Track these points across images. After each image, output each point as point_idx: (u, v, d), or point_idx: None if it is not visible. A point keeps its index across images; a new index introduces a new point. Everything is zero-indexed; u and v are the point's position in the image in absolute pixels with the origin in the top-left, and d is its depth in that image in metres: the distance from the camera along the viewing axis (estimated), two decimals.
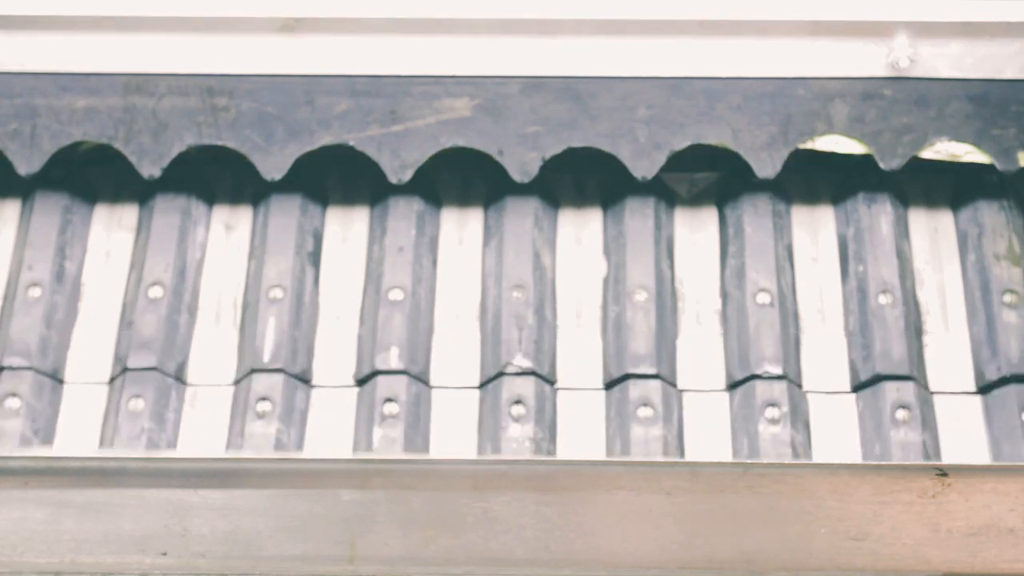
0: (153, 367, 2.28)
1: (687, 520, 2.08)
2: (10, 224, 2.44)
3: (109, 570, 2.09)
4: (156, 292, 2.34)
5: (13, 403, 2.25)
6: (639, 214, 2.41)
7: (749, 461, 2.13)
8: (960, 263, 2.41)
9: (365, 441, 2.24)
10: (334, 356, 2.33)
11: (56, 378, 2.30)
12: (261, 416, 2.25)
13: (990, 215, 2.41)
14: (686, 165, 2.44)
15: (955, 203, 2.46)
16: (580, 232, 2.45)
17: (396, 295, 2.34)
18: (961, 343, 2.34)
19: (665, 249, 2.40)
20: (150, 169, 2.36)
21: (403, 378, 2.28)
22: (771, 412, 2.24)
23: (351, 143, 2.36)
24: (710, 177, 2.48)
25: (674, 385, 2.29)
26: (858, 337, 2.31)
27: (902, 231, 2.41)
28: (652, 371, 2.28)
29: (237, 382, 2.31)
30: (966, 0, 2.36)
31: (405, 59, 2.39)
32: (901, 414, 2.24)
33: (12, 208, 2.45)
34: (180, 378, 2.31)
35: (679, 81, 2.38)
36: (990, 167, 2.37)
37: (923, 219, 2.45)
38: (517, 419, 2.24)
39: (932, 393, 2.29)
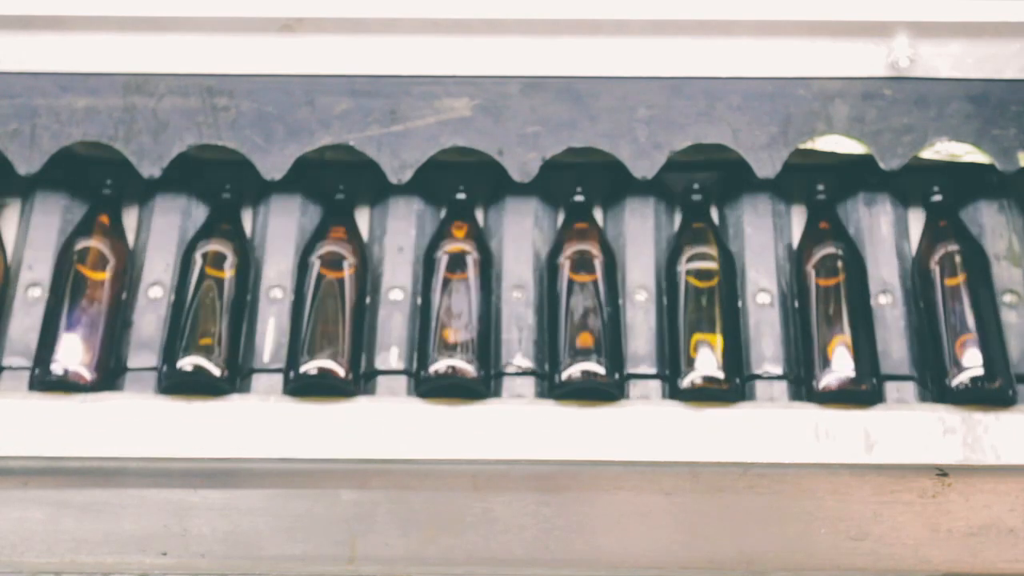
0: (153, 367, 2.28)
1: (687, 520, 2.09)
2: (10, 224, 2.44)
3: (109, 570, 2.10)
4: (156, 292, 2.34)
5: None
6: (639, 214, 2.42)
7: (749, 461, 2.13)
8: None
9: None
10: None
11: None
12: None
13: (990, 215, 2.41)
14: (686, 165, 2.44)
15: (955, 203, 2.45)
16: None
17: (396, 295, 2.34)
18: None
19: (665, 249, 2.40)
20: (150, 169, 2.36)
21: (403, 378, 2.27)
22: None
23: (351, 143, 2.36)
24: (710, 177, 2.48)
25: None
26: None
27: (902, 231, 2.41)
28: (652, 371, 2.28)
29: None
30: (966, 0, 2.36)
31: (405, 59, 2.39)
32: None
33: (12, 208, 2.45)
34: None
35: (679, 81, 2.39)
36: (990, 167, 2.37)
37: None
38: None
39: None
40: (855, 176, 2.44)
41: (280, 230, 2.40)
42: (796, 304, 2.28)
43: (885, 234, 2.39)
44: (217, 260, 2.29)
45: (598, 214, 2.46)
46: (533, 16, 2.36)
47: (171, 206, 2.42)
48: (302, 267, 2.30)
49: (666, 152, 2.36)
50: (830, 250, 2.30)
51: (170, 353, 2.20)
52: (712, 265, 2.28)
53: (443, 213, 2.39)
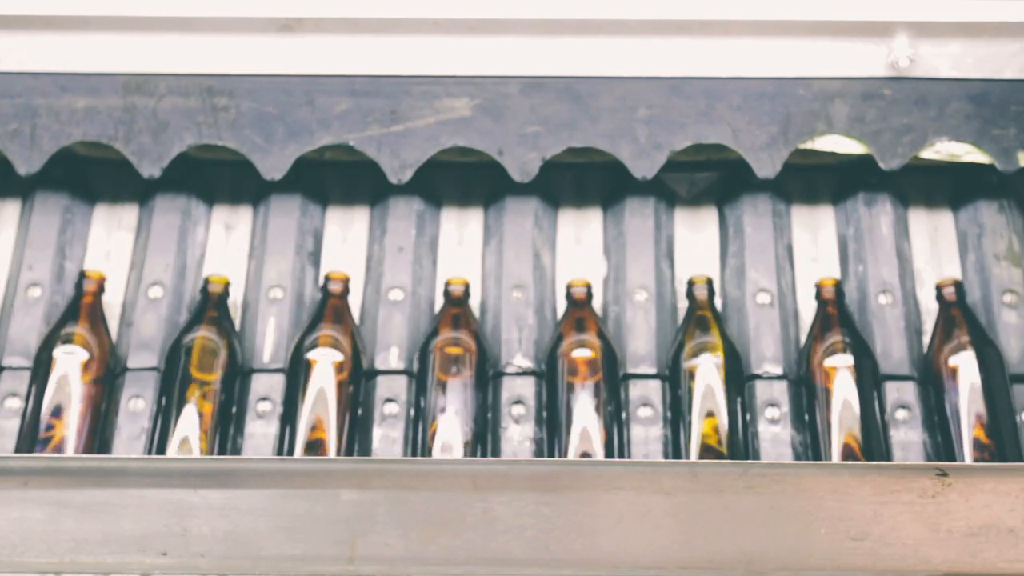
0: (153, 367, 2.28)
1: (687, 520, 2.08)
2: (10, 224, 2.44)
3: (109, 570, 2.09)
4: (156, 292, 2.34)
5: (13, 403, 2.25)
6: (639, 214, 2.42)
7: (749, 461, 2.13)
8: (960, 263, 2.41)
9: (365, 441, 2.23)
10: None
11: None
12: (261, 417, 2.25)
13: (990, 215, 2.41)
14: (686, 165, 2.44)
15: (955, 203, 2.45)
16: (580, 232, 2.45)
17: (396, 295, 2.34)
18: None
19: (665, 249, 2.40)
20: (150, 169, 2.36)
21: (403, 378, 2.27)
22: (771, 412, 2.24)
23: (351, 143, 2.36)
24: (710, 177, 2.48)
25: (675, 385, 2.29)
26: None
27: (902, 231, 2.41)
28: (652, 371, 2.28)
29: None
30: (966, 0, 2.36)
31: (405, 59, 2.39)
32: (901, 414, 2.24)
33: (12, 208, 2.45)
34: None
35: (679, 81, 2.38)
36: (990, 167, 2.37)
37: (923, 219, 2.45)
38: (517, 419, 2.24)
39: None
40: (855, 176, 2.44)
41: (280, 230, 2.40)
42: (805, 391, 2.26)
43: (885, 234, 2.39)
44: (204, 360, 2.25)
45: (598, 214, 2.46)
46: (533, 16, 2.36)
47: (171, 206, 2.42)
48: (295, 359, 2.26)
49: (666, 152, 2.36)
50: (837, 340, 2.27)
51: (157, 452, 2.20)
52: (717, 359, 2.25)
53: (439, 306, 2.36)
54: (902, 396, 2.25)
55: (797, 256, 2.41)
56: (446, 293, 2.31)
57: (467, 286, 2.32)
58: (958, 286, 2.30)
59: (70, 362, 2.23)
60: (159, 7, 2.36)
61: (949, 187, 2.47)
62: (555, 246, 2.42)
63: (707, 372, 2.22)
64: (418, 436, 2.22)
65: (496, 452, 2.22)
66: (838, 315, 2.28)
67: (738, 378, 2.24)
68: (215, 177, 2.47)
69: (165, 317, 2.32)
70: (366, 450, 2.22)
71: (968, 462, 2.18)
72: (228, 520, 2.08)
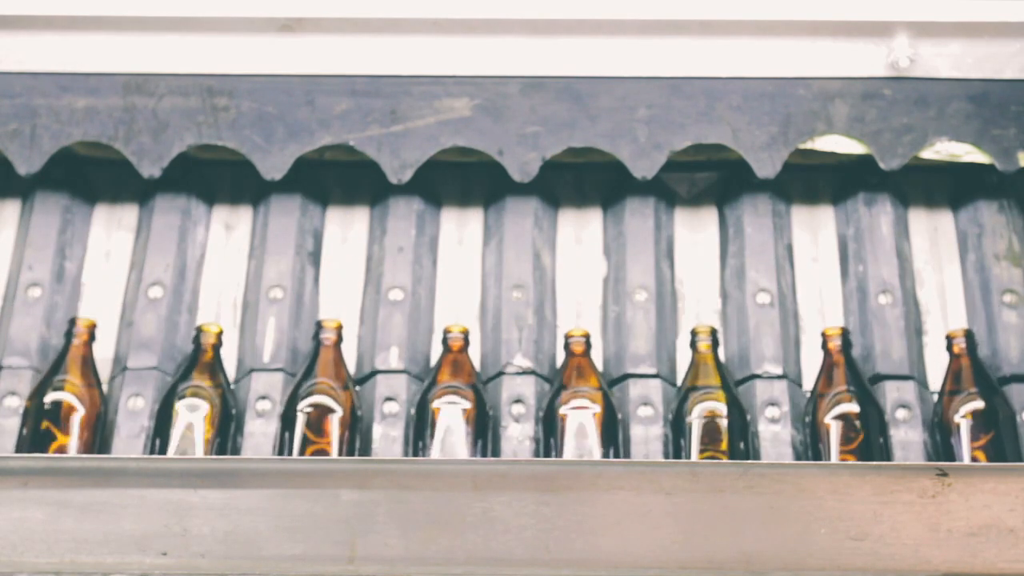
0: (153, 367, 2.28)
1: (687, 520, 2.08)
2: (10, 224, 2.44)
3: (109, 570, 2.09)
4: (156, 292, 2.34)
5: (13, 402, 2.25)
6: (639, 214, 2.42)
7: (749, 461, 2.13)
8: (960, 263, 2.41)
9: (365, 441, 2.24)
10: None
11: None
12: (261, 416, 2.25)
13: (990, 215, 2.41)
14: (686, 165, 2.44)
15: (955, 203, 2.46)
16: (580, 232, 2.45)
17: (396, 295, 2.34)
18: None
19: (665, 249, 2.41)
20: (150, 169, 2.36)
21: (403, 378, 2.28)
22: (771, 412, 2.24)
23: (351, 143, 2.36)
24: (710, 177, 2.48)
25: (674, 385, 2.29)
26: (858, 337, 2.31)
27: (902, 231, 2.41)
28: (652, 371, 2.28)
29: (237, 382, 2.31)
30: (966, 0, 2.36)
31: (405, 59, 2.39)
32: (901, 414, 2.24)
33: (12, 208, 2.45)
34: None
35: (679, 81, 2.38)
36: (990, 167, 2.37)
37: (923, 219, 2.45)
38: (517, 419, 2.24)
39: (932, 393, 2.29)
40: (855, 176, 2.44)
41: (280, 230, 2.40)
42: (810, 439, 2.25)
43: (885, 234, 2.39)
44: (195, 420, 2.23)
45: (598, 214, 2.46)
46: (533, 16, 2.36)
47: (171, 206, 2.42)
48: (289, 412, 2.23)
49: (666, 152, 2.36)
50: (848, 410, 2.25)
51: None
52: (720, 408, 2.24)
53: (436, 358, 2.32)
54: (902, 396, 2.25)
55: (797, 256, 2.41)
56: (444, 341, 2.28)
57: (466, 334, 2.27)
58: (968, 336, 2.28)
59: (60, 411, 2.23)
60: (159, 7, 2.36)
61: (949, 187, 2.47)
62: (555, 246, 2.42)
63: (708, 422, 2.21)
64: (418, 436, 2.22)
65: (496, 452, 2.22)
66: (845, 364, 2.25)
67: (743, 431, 2.23)
68: (215, 177, 2.47)
69: (165, 317, 2.32)
70: (366, 450, 2.22)
71: (968, 462, 2.17)
72: (228, 520, 2.08)
